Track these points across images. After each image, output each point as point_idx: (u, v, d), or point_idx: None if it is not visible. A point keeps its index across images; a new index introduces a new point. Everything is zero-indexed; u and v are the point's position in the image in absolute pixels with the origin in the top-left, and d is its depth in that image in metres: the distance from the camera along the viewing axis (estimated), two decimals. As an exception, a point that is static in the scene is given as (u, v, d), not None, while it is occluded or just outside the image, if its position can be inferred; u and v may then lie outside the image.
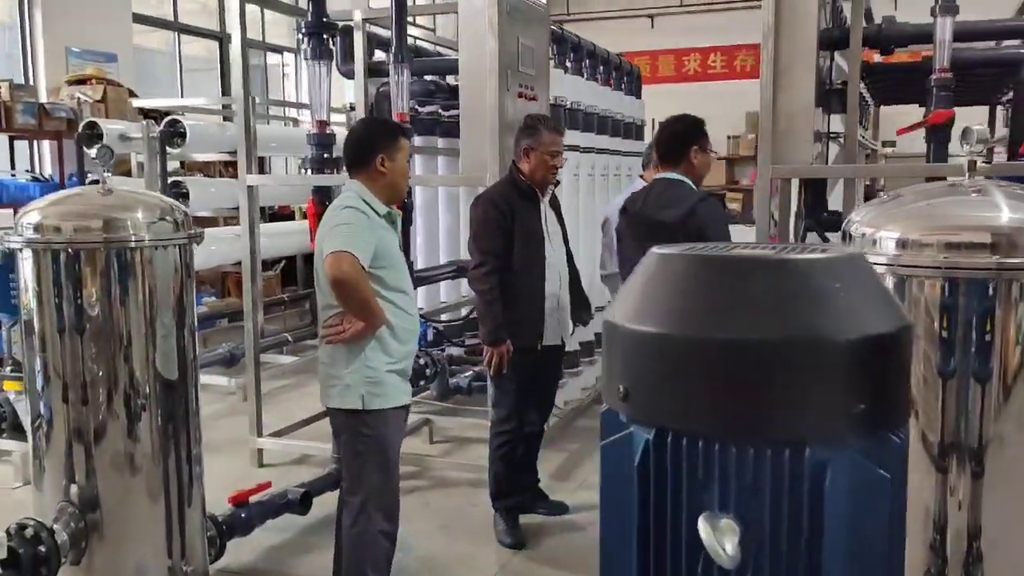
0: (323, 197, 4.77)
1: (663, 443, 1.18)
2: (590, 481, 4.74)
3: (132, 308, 3.05)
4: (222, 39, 10.75)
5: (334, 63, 4.97)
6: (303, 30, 4.67)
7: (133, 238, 3.05)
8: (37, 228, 3.01)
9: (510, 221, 3.81)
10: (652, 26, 15.54)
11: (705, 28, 15.88)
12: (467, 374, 5.53)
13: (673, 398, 1.18)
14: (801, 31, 3.89)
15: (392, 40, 4.59)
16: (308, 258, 8.30)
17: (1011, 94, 5.21)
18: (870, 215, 2.27)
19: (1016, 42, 4.93)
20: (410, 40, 6.13)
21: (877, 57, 4.55)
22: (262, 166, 7.76)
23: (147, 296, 3.08)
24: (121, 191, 3.22)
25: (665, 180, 3.62)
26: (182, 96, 10.15)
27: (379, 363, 3.04)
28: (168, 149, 6.50)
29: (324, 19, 4.67)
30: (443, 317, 6.19)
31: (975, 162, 2.17)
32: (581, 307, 4.18)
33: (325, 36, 4.68)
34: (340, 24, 4.98)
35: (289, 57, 12.07)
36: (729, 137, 14.28)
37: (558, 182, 4.03)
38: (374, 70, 5.21)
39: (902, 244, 2.14)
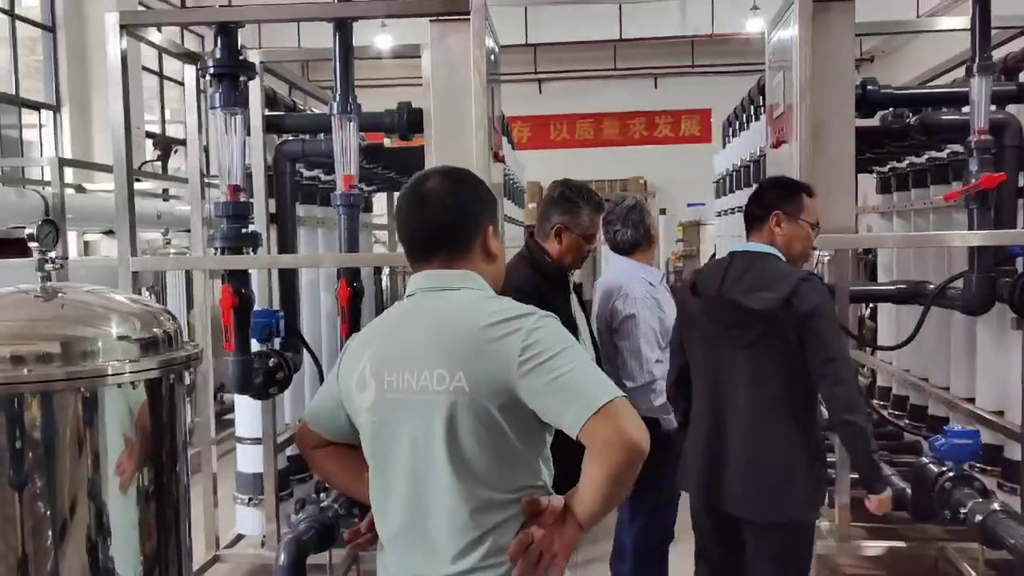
0: (240, 284, 3.67)
1: None
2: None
3: (94, 463, 1.96)
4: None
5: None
6: (210, 70, 3.59)
7: (110, 369, 1.94)
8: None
9: None
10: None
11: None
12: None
13: None
14: (838, 85, 3.53)
15: (336, 87, 3.64)
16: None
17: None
18: None
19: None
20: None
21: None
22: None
23: (124, 444, 1.99)
24: (72, 293, 2.09)
25: (748, 254, 2.81)
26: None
27: None
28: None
29: (240, 57, 3.62)
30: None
31: None
32: None
33: (241, 78, 3.63)
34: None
35: (47, 115, 10.22)
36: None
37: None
38: (272, 125, 4.21)
39: None
